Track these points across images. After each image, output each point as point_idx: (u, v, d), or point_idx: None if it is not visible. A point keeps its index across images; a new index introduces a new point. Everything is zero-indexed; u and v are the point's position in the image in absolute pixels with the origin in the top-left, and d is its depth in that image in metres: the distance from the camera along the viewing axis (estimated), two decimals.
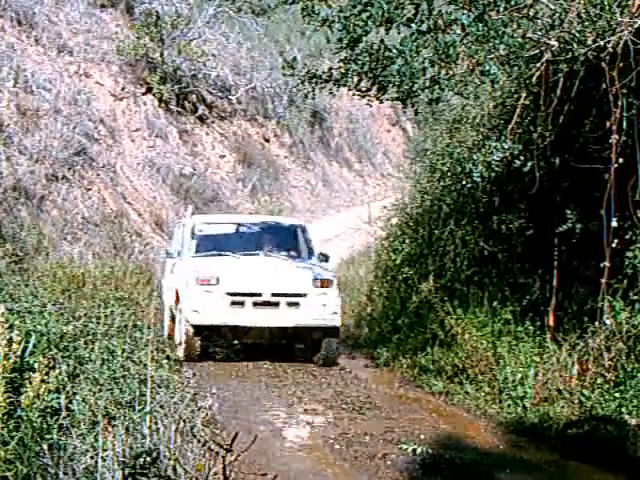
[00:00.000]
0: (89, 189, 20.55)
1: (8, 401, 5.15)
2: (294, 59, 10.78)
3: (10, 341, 5.27)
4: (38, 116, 20.25)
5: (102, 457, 4.89)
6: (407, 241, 14.79)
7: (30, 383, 5.17)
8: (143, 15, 26.31)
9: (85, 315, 8.80)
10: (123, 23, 26.74)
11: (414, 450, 8.46)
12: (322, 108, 33.07)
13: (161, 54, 25.88)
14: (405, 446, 8.57)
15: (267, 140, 30.57)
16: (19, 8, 22.60)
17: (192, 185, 24.83)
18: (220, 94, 28.69)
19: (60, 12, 24.67)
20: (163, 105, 26.00)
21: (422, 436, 9.22)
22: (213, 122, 28.31)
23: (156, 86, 25.61)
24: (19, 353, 5.78)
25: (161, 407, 6.07)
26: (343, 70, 9.87)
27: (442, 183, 13.73)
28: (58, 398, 5.84)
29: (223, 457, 4.54)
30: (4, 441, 5.00)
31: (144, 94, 25.58)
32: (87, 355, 7.06)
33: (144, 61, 25.86)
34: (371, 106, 10.80)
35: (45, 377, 5.25)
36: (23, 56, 21.64)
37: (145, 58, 25.83)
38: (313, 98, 10.61)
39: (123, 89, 24.92)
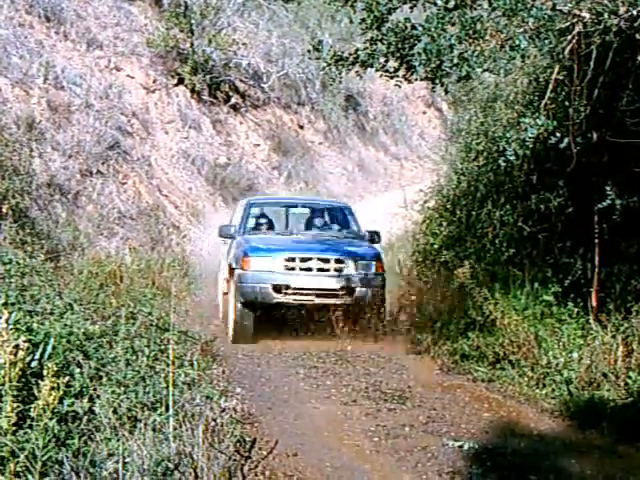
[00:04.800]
0: (124, 183, 20.44)
1: (19, 410, 4.96)
2: (319, 42, 10.45)
3: (17, 348, 5.07)
4: (70, 112, 20.15)
5: (123, 464, 4.69)
6: (445, 224, 14.49)
7: (39, 391, 4.96)
8: (172, 6, 26.15)
9: (114, 314, 8.59)
10: (152, 15, 26.58)
11: (460, 446, 8.22)
12: (356, 92, 32.75)
13: (191, 44, 25.72)
14: (450, 442, 8.33)
15: (301, 127, 30.32)
16: (47, 4, 22.50)
17: (227, 175, 24.67)
18: (252, 82, 28.49)
19: (88, 6, 24.55)
20: (195, 96, 25.85)
21: (465, 426, 8.99)
22: (246, 111, 28.10)
23: (188, 77, 25.46)
24: (37, 357, 5.61)
25: (184, 408, 5.86)
26: (369, 51, 9.57)
27: (477, 163, 13.48)
28: (81, 402, 5.65)
29: (242, 465, 4.33)
30: (14, 452, 4.82)
31: (176, 85, 25.44)
32: (111, 356, 6.86)
33: (175, 52, 25.71)
34: (400, 87, 10.50)
35: (58, 382, 5.04)
36: (52, 52, 21.56)
37: (175, 49, 25.68)
38: (340, 82, 10.36)
39: (154, 81, 24.79)
